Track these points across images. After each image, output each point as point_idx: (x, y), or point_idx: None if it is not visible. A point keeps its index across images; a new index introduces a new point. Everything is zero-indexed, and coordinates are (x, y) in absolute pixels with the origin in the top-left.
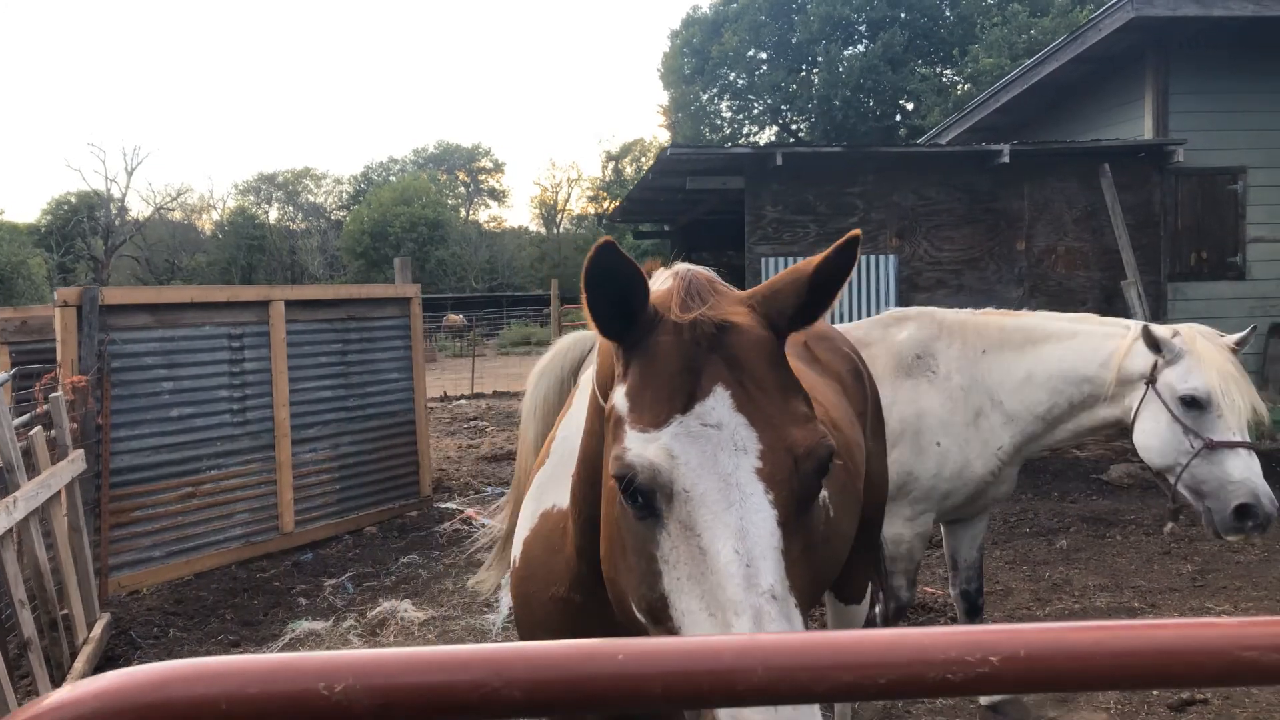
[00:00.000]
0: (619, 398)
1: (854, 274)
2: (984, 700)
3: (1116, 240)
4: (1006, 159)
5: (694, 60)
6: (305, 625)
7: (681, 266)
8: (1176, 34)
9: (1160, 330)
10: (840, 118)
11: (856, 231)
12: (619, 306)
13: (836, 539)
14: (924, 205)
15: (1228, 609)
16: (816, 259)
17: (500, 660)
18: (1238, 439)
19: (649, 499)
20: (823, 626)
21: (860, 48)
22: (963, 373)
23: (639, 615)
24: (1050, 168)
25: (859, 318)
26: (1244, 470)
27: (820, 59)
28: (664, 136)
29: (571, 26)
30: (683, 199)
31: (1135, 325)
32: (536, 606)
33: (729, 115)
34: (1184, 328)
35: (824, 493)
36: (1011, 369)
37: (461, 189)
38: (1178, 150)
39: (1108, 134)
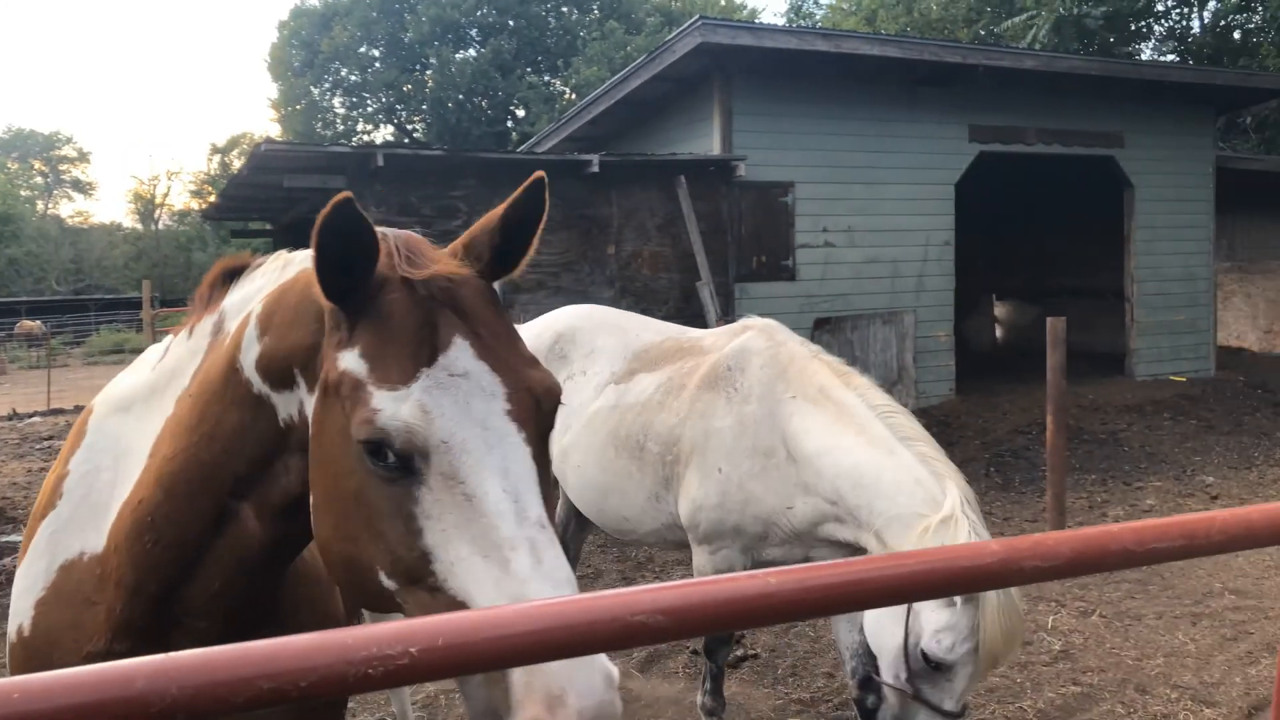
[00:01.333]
0: (349, 361)
1: None
2: None
3: (692, 245)
4: (596, 168)
5: (304, 53)
6: None
7: (382, 229)
8: (738, 60)
9: (937, 641)
10: (454, 120)
11: (541, 173)
12: (350, 268)
13: None
14: None
15: None
16: (506, 202)
17: None
18: (947, 708)
19: (405, 459)
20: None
21: (472, 52)
22: (761, 402)
23: (388, 583)
24: (635, 178)
25: None
26: None
27: (433, 60)
28: (275, 131)
29: (172, 8)
30: (284, 197)
31: (950, 508)
32: None
33: (343, 112)
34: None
35: None
36: (807, 434)
37: (39, 180)
38: (740, 165)
39: (684, 149)
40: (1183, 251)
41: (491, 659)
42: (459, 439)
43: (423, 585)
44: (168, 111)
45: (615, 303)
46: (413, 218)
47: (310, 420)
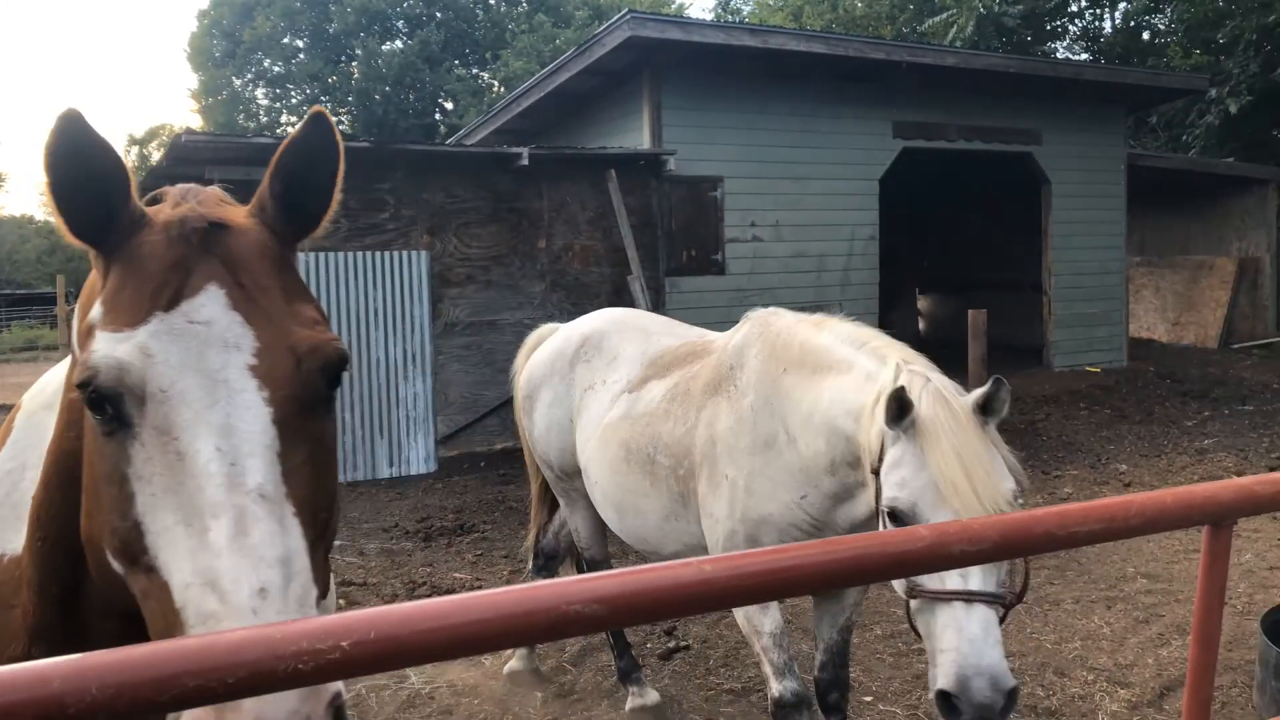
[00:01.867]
0: (95, 311)
1: (388, 270)
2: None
3: (623, 239)
4: (526, 161)
5: (225, 43)
6: None
7: (183, 185)
8: (667, 55)
9: (908, 387)
10: (381, 113)
11: (319, 108)
12: (93, 198)
13: None
14: (453, 203)
15: None
16: (281, 145)
17: None
18: (952, 586)
19: (117, 405)
20: None
21: (399, 44)
22: (757, 390)
23: (116, 565)
24: (565, 171)
25: (393, 313)
26: (955, 637)
27: (359, 52)
28: (196, 122)
29: None
30: None
31: (889, 370)
32: None
33: (266, 103)
34: (923, 381)
35: None
36: (800, 399)
37: None
38: (670, 159)
39: (614, 143)
40: (1097, 246)
41: (426, 651)
42: (179, 389)
43: (140, 566)
44: (82, 100)
45: (546, 296)
46: (339, 210)
47: None
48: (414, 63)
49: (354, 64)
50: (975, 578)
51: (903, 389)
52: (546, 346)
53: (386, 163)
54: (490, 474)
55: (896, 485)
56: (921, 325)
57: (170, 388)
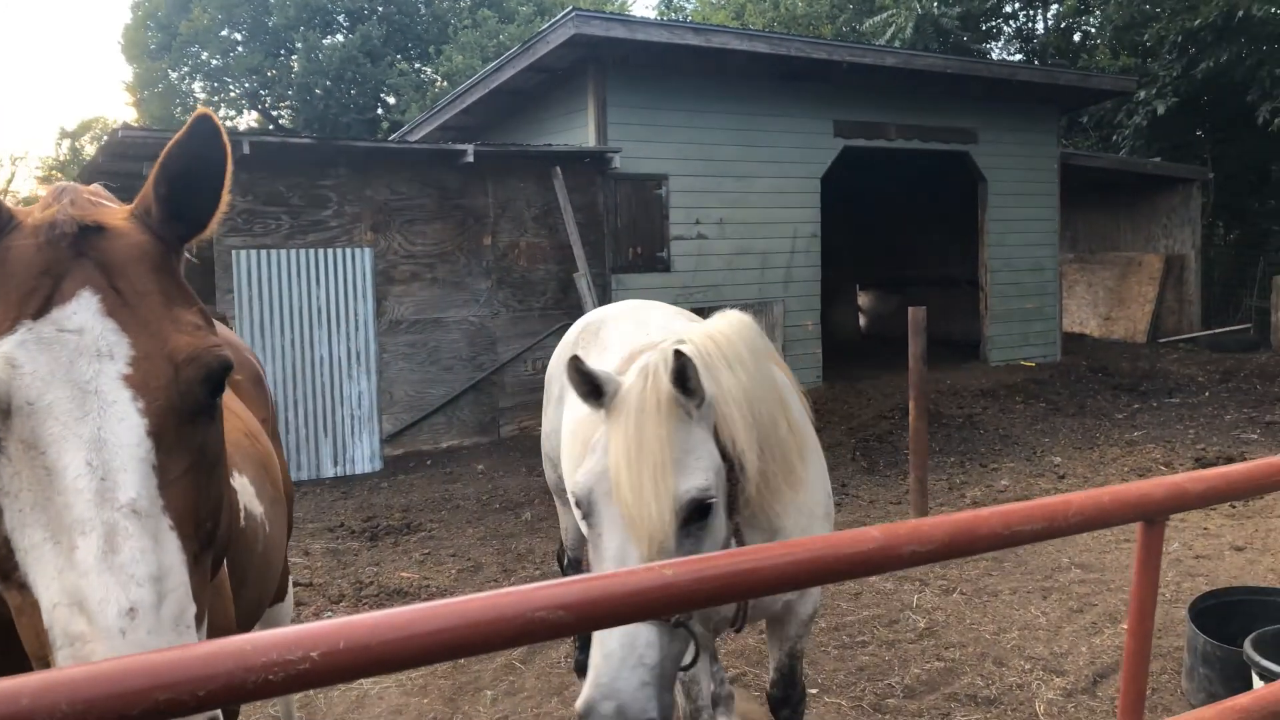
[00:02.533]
0: None
1: (331, 267)
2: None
3: (569, 236)
4: (471, 158)
5: (160, 35)
6: None
7: (61, 184)
8: (611, 53)
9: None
10: (323, 107)
11: (205, 110)
12: None
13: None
14: (397, 200)
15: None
16: (165, 147)
17: None
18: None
19: None
20: None
21: (340, 38)
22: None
23: None
24: (511, 168)
25: (337, 311)
26: (596, 650)
27: (299, 45)
28: (131, 115)
29: None
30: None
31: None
32: None
33: (204, 97)
34: (660, 356)
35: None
36: None
37: None
38: (615, 157)
39: (560, 140)
40: (1031, 243)
41: (394, 660)
42: (46, 401)
43: (12, 582)
44: (9, 91)
45: (492, 294)
46: (281, 207)
47: None
48: (355, 57)
49: (294, 58)
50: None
51: (576, 358)
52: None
53: (329, 159)
54: (437, 472)
55: (583, 470)
56: (862, 321)
57: (38, 400)
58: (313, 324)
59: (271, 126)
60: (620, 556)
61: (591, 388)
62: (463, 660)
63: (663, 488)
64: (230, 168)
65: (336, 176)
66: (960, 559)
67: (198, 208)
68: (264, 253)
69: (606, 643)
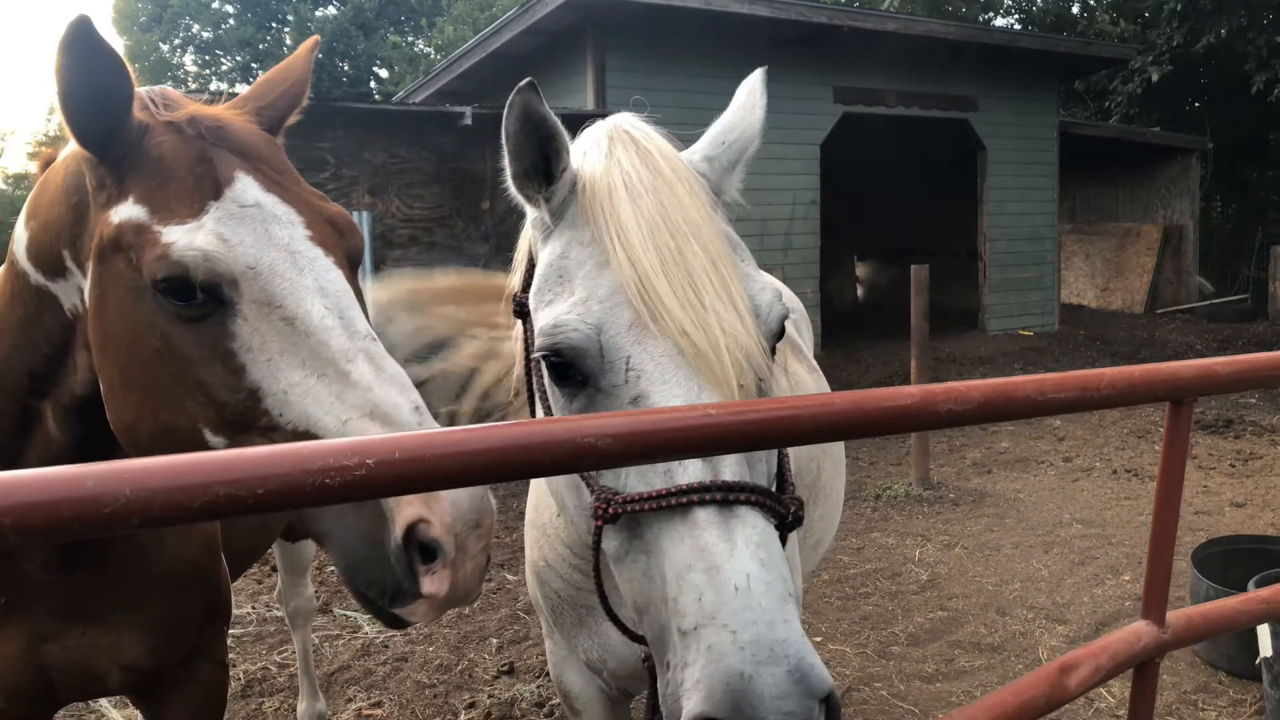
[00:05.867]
0: (125, 212)
1: None
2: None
3: None
4: (469, 121)
5: (151, 7)
6: None
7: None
8: (610, 16)
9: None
10: (315, 80)
11: (316, 38)
12: (104, 106)
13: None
14: (395, 163)
15: None
16: (294, 68)
17: None
18: (684, 482)
19: (212, 291)
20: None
21: (332, 9)
22: None
23: (215, 440)
24: None
25: None
26: (710, 592)
27: (291, 18)
28: None
29: None
30: None
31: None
32: None
33: (195, 70)
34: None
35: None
36: None
37: None
38: None
39: (559, 104)
40: (1030, 212)
41: (446, 475)
42: (266, 263)
43: (256, 429)
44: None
45: (490, 259)
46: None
47: (88, 299)
48: (348, 29)
49: (286, 30)
50: (725, 466)
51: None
52: None
53: (326, 121)
54: None
55: (569, 306)
56: (860, 292)
57: (258, 263)
58: None
59: None
60: None
61: (541, 156)
62: (467, 610)
63: (737, 294)
64: (310, 79)
65: (334, 139)
66: (963, 516)
67: (279, 107)
68: None
69: (726, 567)
